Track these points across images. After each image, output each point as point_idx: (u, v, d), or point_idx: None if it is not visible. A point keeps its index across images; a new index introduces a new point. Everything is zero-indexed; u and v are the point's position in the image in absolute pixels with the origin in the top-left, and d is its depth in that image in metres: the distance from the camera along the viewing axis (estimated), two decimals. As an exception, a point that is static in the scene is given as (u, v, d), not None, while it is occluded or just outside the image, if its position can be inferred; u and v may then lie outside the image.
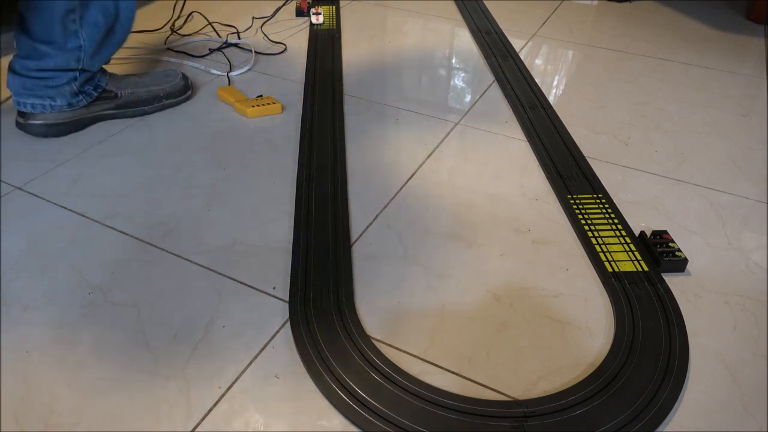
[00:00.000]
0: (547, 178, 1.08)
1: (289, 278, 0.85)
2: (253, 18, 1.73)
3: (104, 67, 1.19)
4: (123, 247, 0.90)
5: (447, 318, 0.80)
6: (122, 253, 0.89)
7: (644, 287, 0.84)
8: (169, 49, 1.53)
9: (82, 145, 1.14)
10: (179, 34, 1.62)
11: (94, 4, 1.07)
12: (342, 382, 0.70)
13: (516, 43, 1.63)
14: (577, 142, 1.18)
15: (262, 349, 0.75)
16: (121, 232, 0.93)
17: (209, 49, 1.53)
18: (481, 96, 1.36)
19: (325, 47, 1.57)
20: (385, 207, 1.00)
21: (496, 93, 1.38)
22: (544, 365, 0.74)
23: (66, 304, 0.80)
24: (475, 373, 0.73)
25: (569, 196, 1.02)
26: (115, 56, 1.45)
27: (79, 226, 0.94)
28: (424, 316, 0.80)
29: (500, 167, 1.11)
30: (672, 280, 0.86)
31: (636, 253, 0.90)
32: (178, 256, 0.89)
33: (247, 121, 1.24)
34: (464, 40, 1.66)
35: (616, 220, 0.97)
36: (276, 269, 0.87)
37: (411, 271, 0.87)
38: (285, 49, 1.56)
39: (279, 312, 0.80)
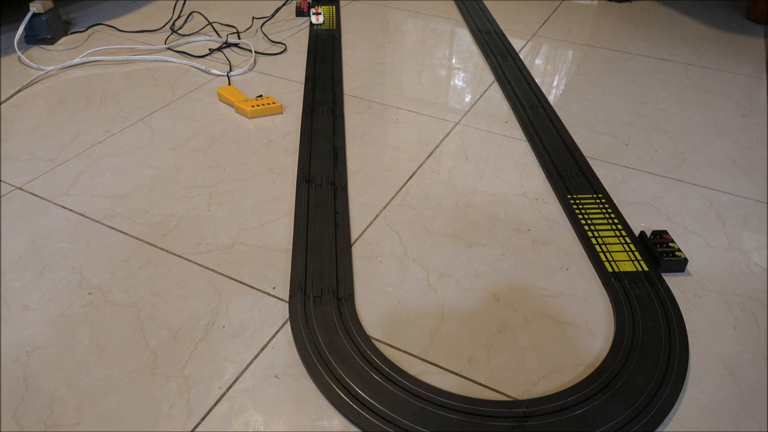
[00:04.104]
0: (547, 178, 1.08)
1: (289, 278, 0.85)
2: (253, 18, 1.73)
3: None
4: (123, 247, 0.90)
5: (447, 318, 0.80)
6: (122, 253, 0.89)
7: (644, 287, 0.84)
8: (169, 49, 1.54)
9: (82, 145, 1.14)
10: (179, 34, 1.62)
11: None
12: (342, 382, 0.70)
13: (516, 43, 1.63)
14: (577, 142, 1.18)
15: (262, 349, 0.75)
16: (121, 232, 0.93)
17: (209, 49, 1.53)
18: (481, 96, 1.36)
19: (325, 47, 1.57)
20: (385, 207, 1.00)
21: (496, 93, 1.38)
22: (544, 365, 0.74)
23: (66, 304, 0.80)
24: (475, 373, 0.73)
25: (569, 196, 1.02)
26: (115, 56, 1.46)
27: (79, 226, 0.94)
28: (424, 316, 0.80)
29: (500, 167, 1.11)
30: (672, 280, 0.86)
31: (636, 253, 0.90)
32: (178, 256, 0.89)
33: (247, 121, 1.24)
34: (464, 40, 1.66)
35: (616, 220, 0.97)
36: (276, 269, 0.87)
37: (411, 271, 0.87)
38: (285, 49, 1.56)
39: (279, 312, 0.80)
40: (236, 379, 0.71)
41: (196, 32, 1.63)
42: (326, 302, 0.80)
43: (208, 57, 1.50)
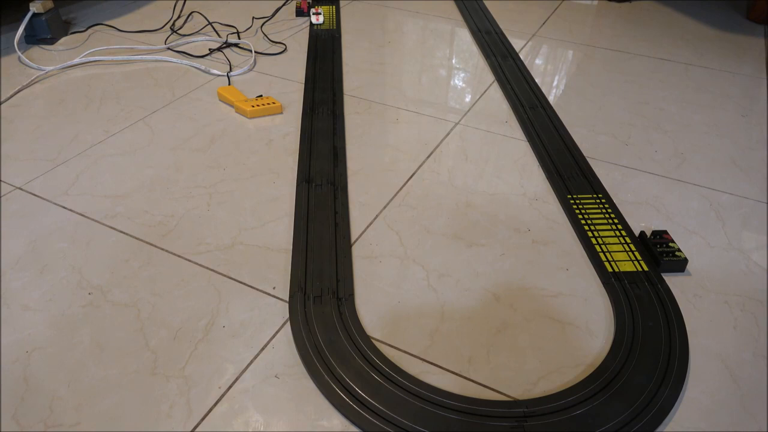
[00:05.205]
0: (547, 178, 1.08)
1: (289, 278, 0.85)
2: (253, 18, 1.73)
3: None
4: (123, 247, 0.90)
5: (447, 318, 0.80)
6: (122, 253, 0.89)
7: (644, 287, 0.84)
8: (169, 49, 1.54)
9: (82, 145, 1.14)
10: (179, 34, 1.62)
11: None
12: (342, 382, 0.70)
13: (516, 43, 1.63)
14: (577, 142, 1.18)
15: (262, 349, 0.75)
16: (121, 232, 0.93)
17: (209, 49, 1.53)
18: (481, 96, 1.36)
19: (325, 47, 1.57)
20: (385, 207, 1.00)
21: (496, 93, 1.38)
22: (544, 365, 0.74)
23: (66, 304, 0.80)
24: (475, 373, 0.73)
25: (569, 196, 1.02)
26: (115, 56, 1.46)
27: (79, 226, 0.94)
28: (424, 316, 0.80)
29: (500, 167, 1.11)
30: (672, 280, 0.86)
31: (636, 253, 0.90)
32: (178, 256, 0.89)
33: (247, 121, 1.24)
34: (464, 40, 1.66)
35: (616, 220, 0.97)
36: (276, 269, 0.87)
37: (411, 271, 0.87)
38: (285, 49, 1.56)
39: (279, 312, 0.80)
40: (236, 379, 0.71)
41: (196, 32, 1.63)
42: (326, 302, 0.80)
43: (208, 57, 1.50)
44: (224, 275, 0.85)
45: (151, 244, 0.91)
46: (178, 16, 1.71)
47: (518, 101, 1.33)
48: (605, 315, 0.81)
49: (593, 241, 0.92)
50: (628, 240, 0.93)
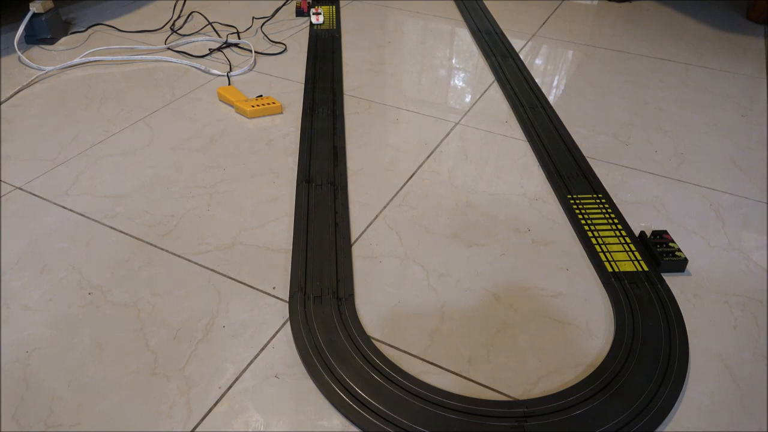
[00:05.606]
0: (547, 178, 1.08)
1: (289, 278, 0.85)
2: (253, 18, 1.73)
3: None
4: (123, 247, 0.90)
5: (447, 318, 0.80)
6: (122, 253, 0.89)
7: (644, 287, 0.84)
8: (169, 49, 1.54)
9: (82, 145, 1.14)
10: (179, 34, 1.62)
11: None
12: (342, 382, 0.70)
13: (516, 43, 1.63)
14: (577, 142, 1.18)
15: (262, 349, 0.75)
16: (121, 232, 0.93)
17: (209, 49, 1.53)
18: (481, 96, 1.36)
19: (325, 47, 1.57)
20: (385, 207, 1.00)
21: (496, 93, 1.38)
22: (544, 365, 0.74)
23: (66, 304, 0.80)
24: (475, 373, 0.73)
25: (569, 196, 1.02)
26: (115, 56, 1.46)
27: (79, 226, 0.94)
28: (424, 316, 0.80)
29: (500, 167, 1.11)
30: (672, 280, 0.86)
31: (636, 253, 0.90)
32: (178, 256, 0.89)
33: (247, 121, 1.24)
34: (464, 40, 1.66)
35: (616, 220, 0.97)
36: (276, 269, 0.87)
37: (411, 271, 0.87)
38: (285, 49, 1.56)
39: (279, 312, 0.80)
40: (236, 379, 0.71)
41: (196, 32, 1.63)
42: (326, 302, 0.80)
43: (208, 57, 1.50)
44: (224, 275, 0.85)
45: (151, 244, 0.91)
46: (178, 16, 1.71)
47: (518, 101, 1.33)
48: (605, 315, 0.81)
49: (593, 241, 0.92)
50: (628, 240, 0.93)
